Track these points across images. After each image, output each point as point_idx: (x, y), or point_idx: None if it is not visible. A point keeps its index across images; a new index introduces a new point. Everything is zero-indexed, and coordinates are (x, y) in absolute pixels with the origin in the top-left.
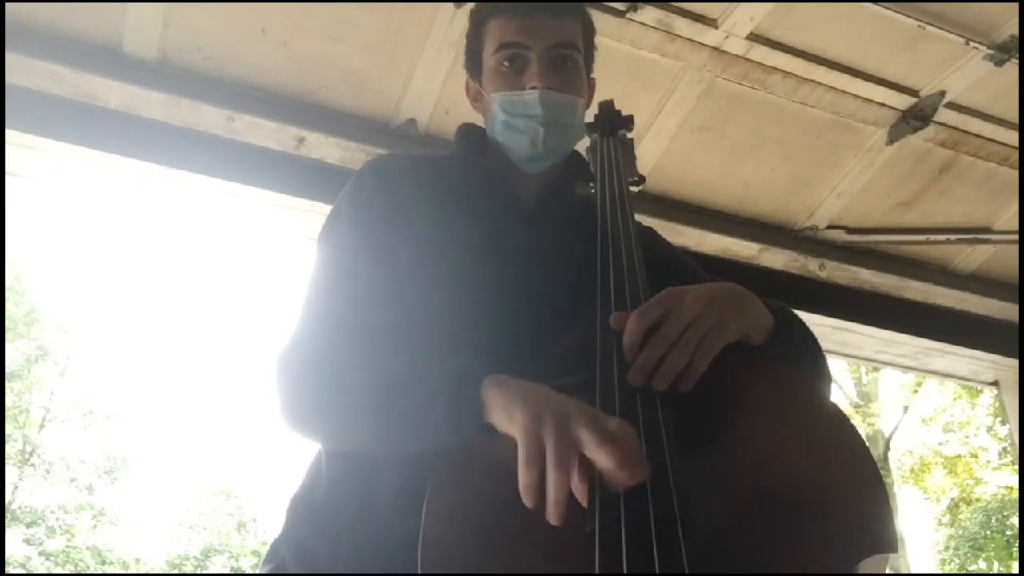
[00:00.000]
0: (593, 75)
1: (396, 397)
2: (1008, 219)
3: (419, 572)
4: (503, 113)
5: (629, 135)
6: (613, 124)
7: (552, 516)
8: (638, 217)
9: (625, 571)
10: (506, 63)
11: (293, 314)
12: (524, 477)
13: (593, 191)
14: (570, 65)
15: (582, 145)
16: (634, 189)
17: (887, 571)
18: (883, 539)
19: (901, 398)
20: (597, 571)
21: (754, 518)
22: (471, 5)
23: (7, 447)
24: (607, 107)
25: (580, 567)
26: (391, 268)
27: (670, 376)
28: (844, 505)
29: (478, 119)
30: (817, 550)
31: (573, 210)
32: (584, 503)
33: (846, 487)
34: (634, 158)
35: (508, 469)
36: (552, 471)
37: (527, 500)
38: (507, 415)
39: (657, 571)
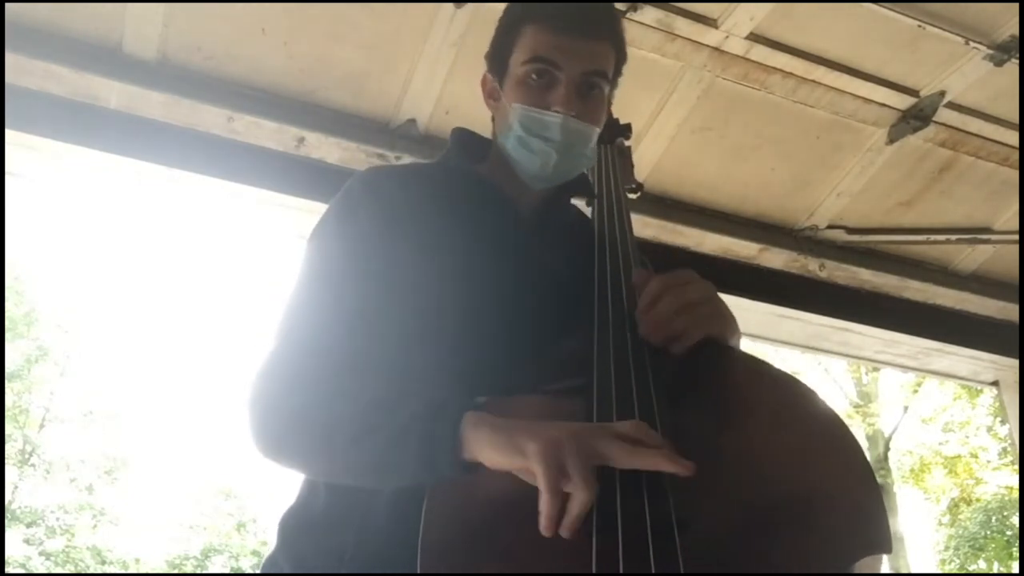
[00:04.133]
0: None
1: (367, 432)
2: (1008, 219)
3: (418, 573)
4: (520, 128)
5: (627, 143)
6: (612, 132)
7: (570, 532)
8: (638, 219)
9: (621, 572)
10: (534, 76)
11: (271, 332)
12: (549, 506)
13: (591, 205)
14: (596, 93)
15: None
16: (632, 196)
17: (884, 571)
18: (878, 540)
19: (901, 398)
20: (594, 571)
21: (747, 520)
22: (472, 5)
23: (7, 447)
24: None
25: (578, 568)
26: (378, 282)
27: (667, 334)
28: (838, 506)
29: (478, 119)
30: (812, 551)
31: (571, 224)
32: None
33: (840, 488)
34: (632, 166)
35: (504, 478)
36: (580, 492)
37: (547, 529)
38: (512, 449)
39: (653, 572)
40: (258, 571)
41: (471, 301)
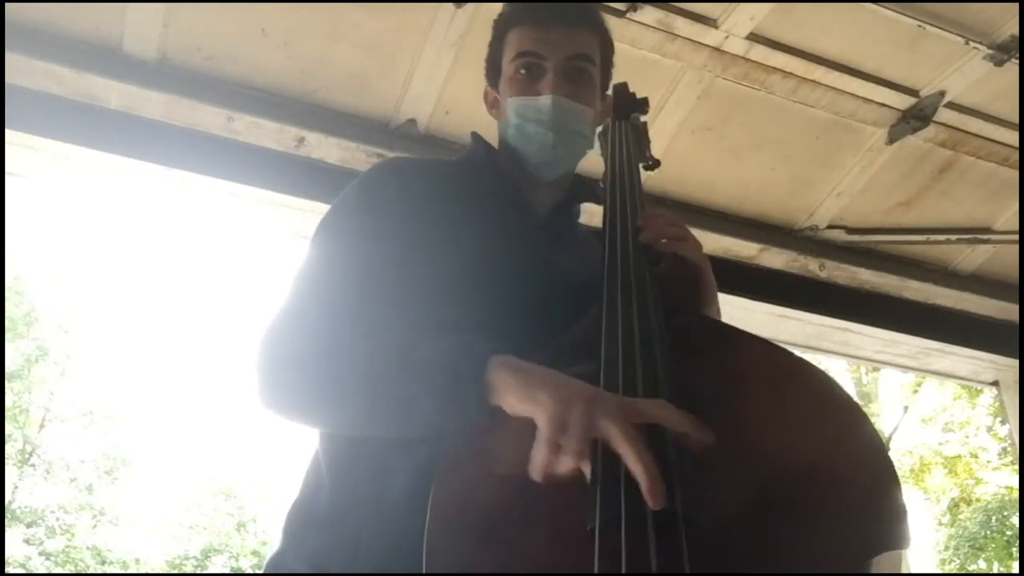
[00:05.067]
0: (608, 91)
1: (390, 375)
2: (1008, 219)
3: (424, 571)
4: (516, 117)
5: (643, 118)
6: (627, 107)
7: (543, 480)
8: None
9: (624, 571)
10: (523, 70)
11: (281, 292)
12: (540, 456)
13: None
14: (584, 77)
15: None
16: (650, 172)
17: (883, 571)
18: (896, 534)
19: (901, 398)
20: (596, 570)
21: (761, 511)
22: (471, 5)
23: (7, 447)
24: (621, 89)
25: (583, 566)
26: (394, 262)
27: (660, 234)
28: (854, 498)
29: (478, 119)
30: (826, 545)
31: (582, 235)
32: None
33: (856, 478)
34: (648, 141)
35: (512, 466)
36: (566, 457)
37: (535, 475)
38: (527, 395)
39: (656, 570)
40: (259, 571)
41: (484, 288)
